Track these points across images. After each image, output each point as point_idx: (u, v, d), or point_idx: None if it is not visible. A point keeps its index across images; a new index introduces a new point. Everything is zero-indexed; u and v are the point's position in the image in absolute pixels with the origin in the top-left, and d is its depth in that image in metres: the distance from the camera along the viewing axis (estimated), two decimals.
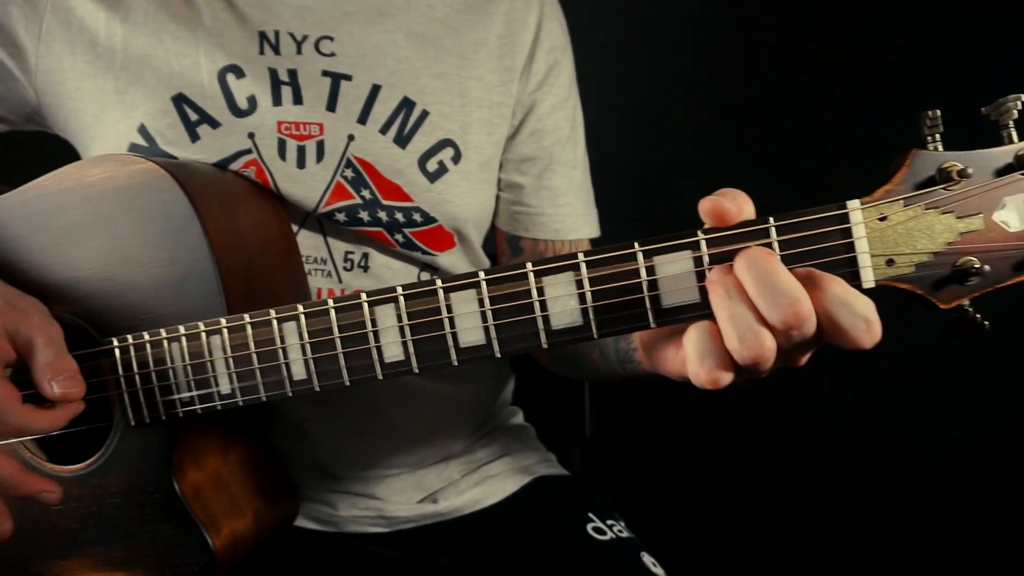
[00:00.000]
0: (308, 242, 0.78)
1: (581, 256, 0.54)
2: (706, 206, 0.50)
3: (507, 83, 0.83)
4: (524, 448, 0.95)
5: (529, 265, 0.55)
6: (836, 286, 0.46)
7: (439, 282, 0.57)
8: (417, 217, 0.79)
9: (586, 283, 0.54)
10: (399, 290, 0.58)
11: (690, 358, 0.49)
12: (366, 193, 0.77)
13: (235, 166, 0.74)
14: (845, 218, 0.50)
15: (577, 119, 0.91)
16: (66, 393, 0.59)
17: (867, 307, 0.46)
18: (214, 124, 0.74)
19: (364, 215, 0.77)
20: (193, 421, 0.67)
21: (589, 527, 0.83)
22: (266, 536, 0.73)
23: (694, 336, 0.49)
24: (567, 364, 0.84)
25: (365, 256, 0.80)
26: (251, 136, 0.75)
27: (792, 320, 0.45)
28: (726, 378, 0.49)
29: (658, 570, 0.81)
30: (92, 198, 0.66)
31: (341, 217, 0.76)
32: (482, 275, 0.56)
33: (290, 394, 0.61)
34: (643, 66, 1.39)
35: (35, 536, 0.71)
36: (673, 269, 0.53)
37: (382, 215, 0.77)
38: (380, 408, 0.83)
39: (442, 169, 0.79)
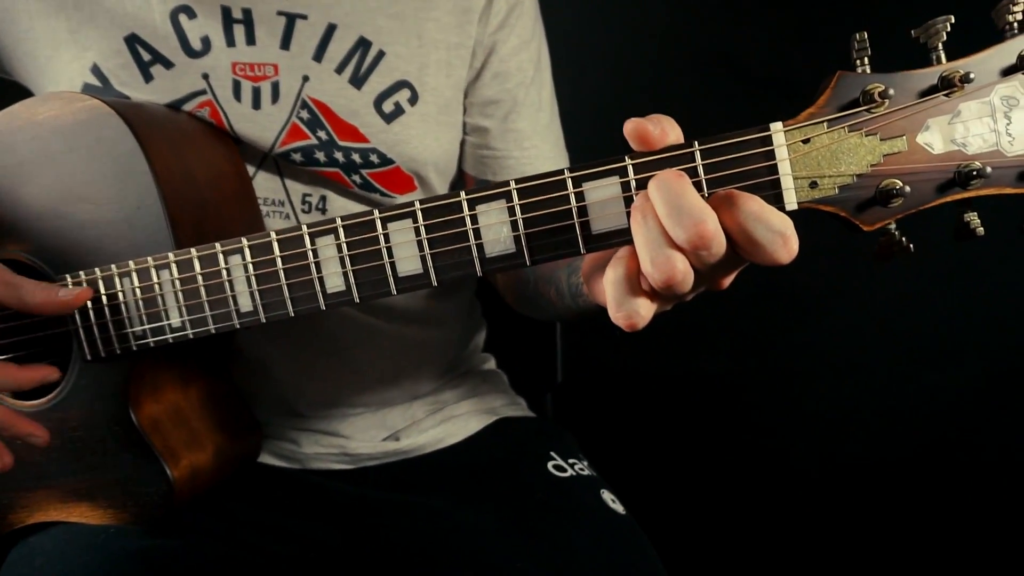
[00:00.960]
0: (265, 184, 0.79)
1: (513, 184, 0.54)
2: (629, 128, 0.50)
3: (465, 24, 0.82)
4: (492, 391, 0.97)
5: (463, 194, 0.56)
6: (751, 203, 0.47)
7: (376, 212, 0.57)
8: (374, 158, 0.79)
9: (518, 210, 0.55)
10: (338, 221, 0.58)
11: (607, 291, 0.50)
12: (322, 134, 0.77)
13: (189, 107, 0.75)
14: (768, 140, 0.50)
15: (543, 61, 0.90)
16: (80, 293, 0.63)
17: (783, 222, 0.47)
18: (168, 64, 0.75)
19: (320, 155, 0.77)
20: (149, 355, 0.68)
21: (550, 464, 0.85)
22: (228, 470, 0.75)
23: (610, 273, 0.50)
24: (530, 304, 0.85)
25: (323, 199, 0.81)
26: (205, 77, 0.75)
27: (696, 240, 0.46)
28: (643, 307, 0.49)
29: (617, 506, 0.82)
30: (41, 136, 0.67)
31: (297, 157, 0.77)
32: (417, 204, 0.57)
33: (237, 326, 0.63)
34: (613, 13, 1.37)
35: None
36: (602, 195, 0.53)
37: (339, 156, 0.78)
38: (342, 349, 0.84)
39: (398, 110, 0.80)
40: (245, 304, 0.62)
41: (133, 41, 0.74)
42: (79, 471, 0.71)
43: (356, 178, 0.79)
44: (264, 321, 0.62)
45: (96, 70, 0.74)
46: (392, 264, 0.58)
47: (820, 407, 1.39)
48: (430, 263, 0.57)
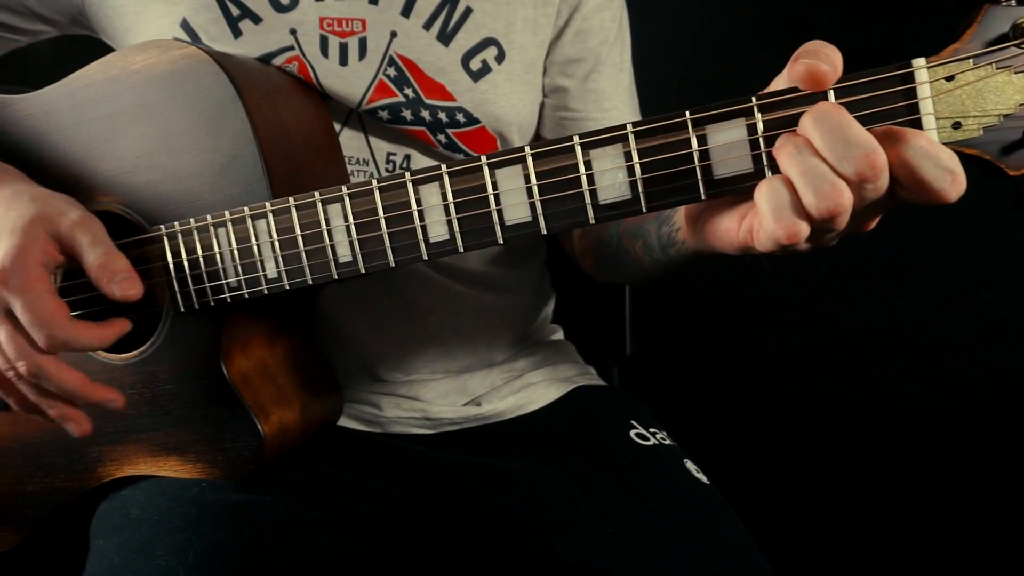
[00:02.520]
0: (350, 142, 0.78)
1: (629, 127, 0.53)
2: (800, 70, 0.47)
3: None
4: (565, 360, 0.95)
5: (576, 138, 0.54)
6: (920, 138, 0.45)
7: (484, 159, 0.56)
8: (460, 117, 0.78)
9: (635, 155, 0.53)
10: (443, 168, 0.57)
11: (764, 213, 0.48)
12: (409, 92, 0.76)
13: (277, 62, 0.74)
14: (909, 78, 0.48)
15: (624, 22, 0.88)
16: (126, 295, 0.60)
17: (952, 159, 0.45)
18: (256, 19, 0.74)
19: (407, 114, 0.76)
20: (240, 309, 0.67)
21: (632, 433, 0.83)
22: (312, 430, 0.75)
23: (767, 191, 0.48)
24: (611, 265, 0.83)
25: (407, 158, 0.80)
26: (293, 32, 0.74)
27: (867, 171, 0.44)
28: (804, 230, 0.47)
29: (701, 476, 0.80)
30: (137, 85, 0.67)
31: (384, 115, 0.76)
32: (527, 150, 0.55)
33: (336, 276, 0.62)
34: None
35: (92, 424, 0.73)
36: (725, 138, 0.51)
37: (425, 114, 0.76)
38: (422, 313, 0.83)
39: (485, 68, 0.78)
40: (344, 254, 0.61)
41: None
42: (169, 425, 0.70)
43: (441, 137, 0.78)
44: (364, 272, 0.61)
45: (186, 25, 0.74)
46: (499, 212, 0.56)
47: (887, 385, 1.35)
48: (539, 210, 0.55)
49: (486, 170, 0.56)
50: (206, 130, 0.65)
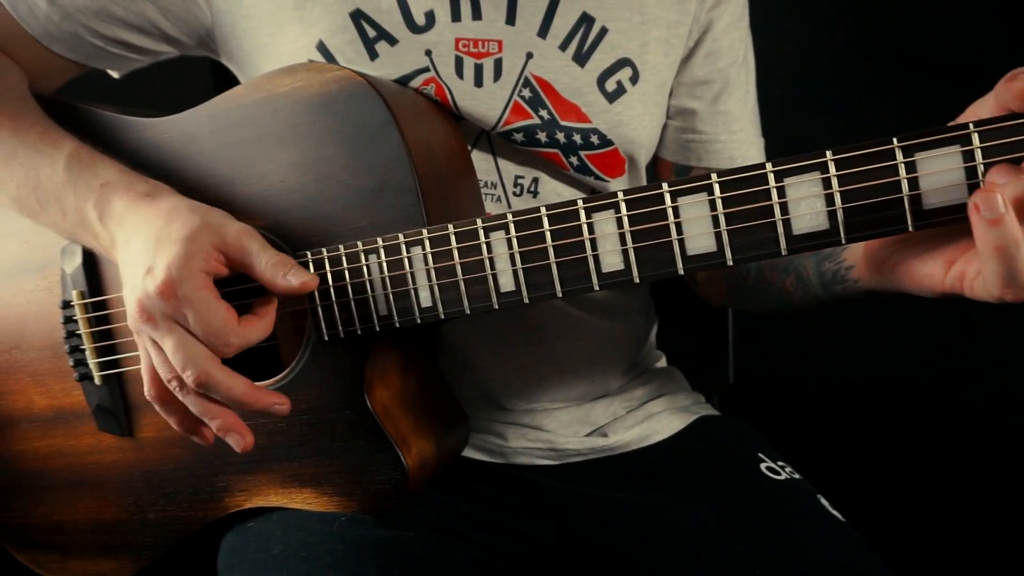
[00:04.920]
0: (479, 164, 0.76)
1: (829, 154, 0.50)
2: (1019, 88, 0.44)
3: (684, 0, 0.79)
4: (678, 389, 0.93)
5: (768, 165, 0.51)
6: None
7: (665, 185, 0.54)
8: (594, 139, 0.76)
9: (835, 183, 0.50)
10: (620, 195, 0.55)
11: (992, 277, 0.45)
12: (544, 113, 0.74)
13: (414, 84, 0.72)
14: None
15: (749, 43, 0.86)
16: (304, 281, 0.59)
17: None
18: (392, 41, 0.72)
19: (542, 136, 0.74)
20: (383, 338, 0.66)
21: (762, 466, 0.80)
22: (445, 462, 0.72)
23: (997, 254, 0.44)
24: (745, 296, 0.80)
25: (535, 181, 0.78)
26: (428, 53, 0.73)
27: None
28: None
29: (835, 513, 0.77)
30: (284, 108, 0.65)
31: (519, 137, 0.74)
32: (714, 177, 0.53)
33: (496, 307, 0.60)
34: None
35: (220, 452, 0.72)
36: (937, 166, 0.48)
37: (560, 136, 0.75)
38: (545, 340, 0.81)
39: (620, 89, 0.76)
40: (507, 284, 0.59)
41: (358, 16, 0.72)
42: (305, 456, 0.69)
43: (573, 160, 0.76)
44: (527, 301, 0.59)
45: (322, 47, 0.73)
46: (681, 241, 0.54)
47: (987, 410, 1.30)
48: (726, 240, 0.53)
49: (667, 197, 0.54)
50: (357, 154, 0.63)
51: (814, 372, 1.30)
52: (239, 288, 0.65)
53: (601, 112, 0.75)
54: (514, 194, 0.78)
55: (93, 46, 0.76)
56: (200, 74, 1.36)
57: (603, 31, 0.75)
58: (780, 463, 0.82)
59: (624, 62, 0.76)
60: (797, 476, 0.81)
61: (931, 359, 1.29)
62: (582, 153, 0.76)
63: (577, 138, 0.75)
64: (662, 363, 0.99)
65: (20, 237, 0.78)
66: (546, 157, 0.76)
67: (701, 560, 0.69)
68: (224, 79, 0.86)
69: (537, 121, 0.74)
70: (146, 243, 0.59)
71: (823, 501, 0.78)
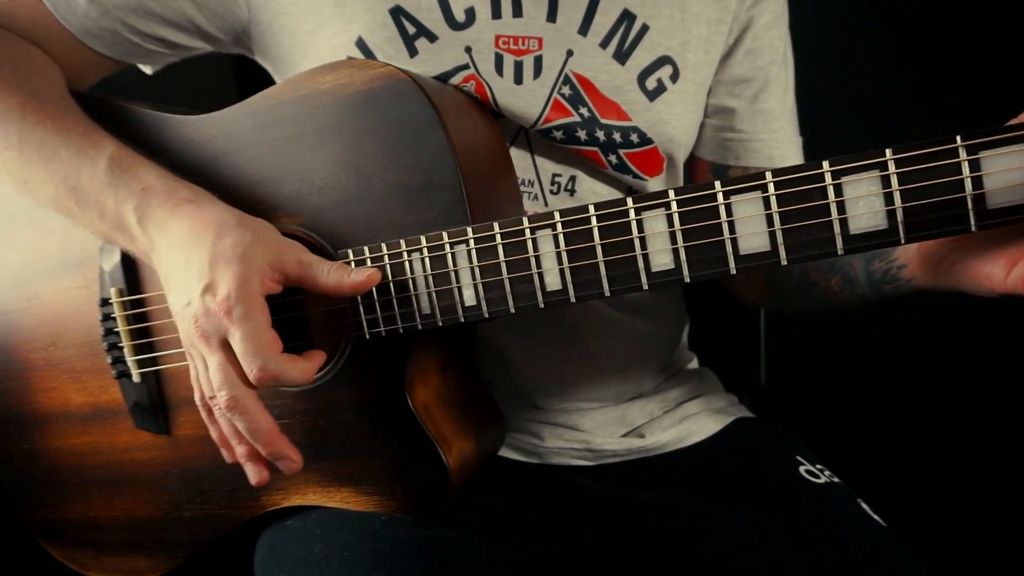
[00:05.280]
0: (517, 162, 0.75)
1: (889, 152, 0.49)
2: None
3: None
4: (712, 391, 0.92)
5: (825, 164, 0.51)
6: None
7: (718, 184, 0.53)
8: (634, 138, 0.75)
9: (894, 181, 0.49)
10: (671, 193, 0.54)
11: None
12: (584, 111, 0.73)
13: (454, 81, 0.72)
14: None
15: (788, 41, 0.85)
16: (369, 276, 0.60)
17: None
18: (432, 37, 0.72)
19: (582, 134, 0.73)
20: (424, 337, 0.65)
21: (801, 470, 0.79)
22: (484, 460, 0.72)
23: None
24: (786, 296, 0.79)
25: (572, 179, 0.77)
26: (468, 50, 0.72)
27: None
28: None
29: (876, 517, 0.76)
30: (326, 105, 0.65)
31: (558, 135, 0.73)
32: (769, 176, 0.52)
33: (542, 306, 0.59)
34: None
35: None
36: (1003, 164, 0.47)
37: (600, 134, 0.74)
38: (581, 339, 0.80)
39: (661, 87, 0.75)
40: (553, 282, 0.58)
41: (398, 13, 0.72)
42: (344, 455, 0.68)
43: (612, 158, 0.75)
44: (574, 300, 0.58)
45: (361, 44, 0.72)
46: (733, 240, 0.53)
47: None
48: (780, 240, 0.52)
49: (720, 196, 0.53)
50: (400, 152, 0.63)
51: (846, 374, 1.29)
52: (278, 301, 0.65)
53: (641, 110, 0.75)
54: (551, 192, 0.77)
55: (130, 42, 0.76)
56: (222, 71, 1.36)
57: (644, 28, 0.74)
58: (818, 466, 0.81)
59: (665, 60, 0.75)
60: (836, 480, 0.80)
61: (964, 360, 1.27)
62: (621, 151, 0.75)
63: (617, 136, 0.74)
64: (694, 364, 0.99)
65: (59, 235, 0.78)
66: (585, 155, 0.75)
67: (747, 565, 0.68)
68: (246, 76, 0.85)
69: (577, 119, 0.73)
70: (201, 258, 0.59)
71: (864, 506, 0.77)
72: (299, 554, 0.66)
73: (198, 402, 0.64)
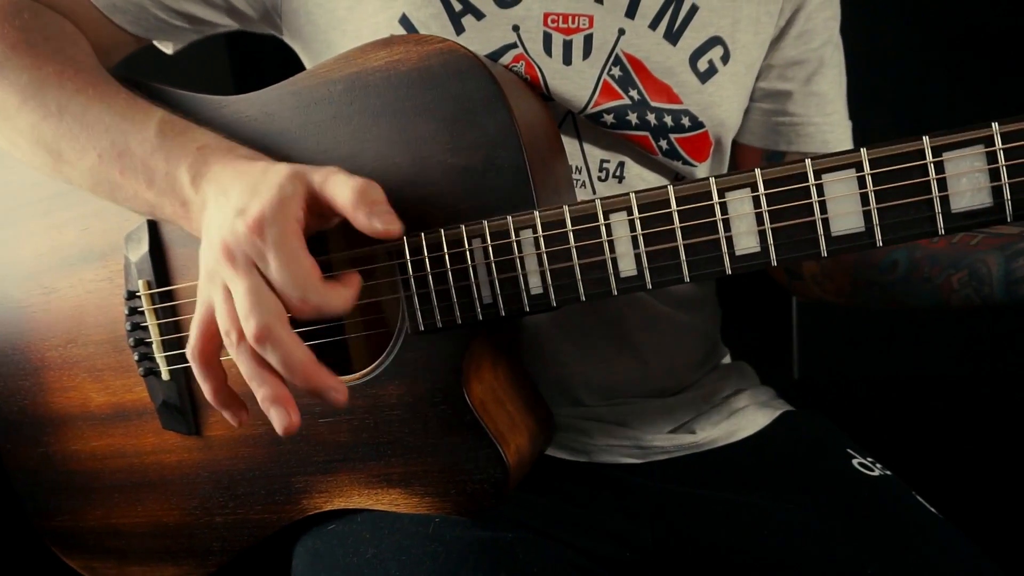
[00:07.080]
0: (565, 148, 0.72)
1: (996, 126, 0.47)
2: None
3: None
4: (753, 384, 0.89)
5: (926, 139, 0.48)
6: None
7: (808, 162, 0.50)
8: (685, 121, 0.72)
9: (1000, 156, 0.47)
10: (757, 173, 0.51)
11: None
12: (634, 93, 0.71)
13: (503, 61, 0.69)
14: None
15: (838, 21, 0.83)
16: (389, 229, 0.53)
17: None
18: (478, 15, 0.69)
19: (632, 117, 0.71)
20: (481, 329, 0.62)
21: (854, 462, 0.77)
22: (537, 458, 0.69)
23: None
24: (886, 291, 0.73)
25: (621, 165, 0.74)
26: (515, 29, 0.69)
27: None
28: None
29: (933, 510, 0.74)
30: (377, 84, 0.61)
31: (609, 119, 0.70)
32: (864, 153, 0.49)
33: (615, 292, 0.56)
34: None
35: (296, 450, 0.68)
36: None
37: (651, 118, 0.71)
38: (627, 332, 0.77)
39: (712, 69, 0.73)
40: (627, 268, 0.55)
41: None
42: (393, 454, 0.65)
43: (663, 143, 0.73)
44: (650, 287, 0.55)
45: (405, 20, 0.69)
46: (824, 221, 0.51)
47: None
48: (875, 219, 0.50)
49: (811, 175, 0.50)
50: (461, 131, 0.59)
51: (880, 367, 1.27)
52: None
53: (693, 93, 0.72)
54: (599, 179, 0.74)
55: (156, 18, 0.72)
56: (216, 55, 1.31)
57: (693, 8, 0.72)
58: (869, 459, 0.79)
59: (715, 40, 0.73)
60: (888, 472, 0.78)
61: (999, 354, 1.26)
62: (672, 136, 0.73)
63: (668, 120, 0.72)
64: (728, 359, 0.96)
65: (78, 224, 0.73)
66: (635, 140, 0.72)
67: (813, 559, 0.66)
68: (240, 60, 0.81)
69: (627, 102, 0.70)
70: (243, 189, 0.54)
71: (919, 499, 0.75)
72: (349, 559, 0.62)
73: (194, 349, 0.55)
